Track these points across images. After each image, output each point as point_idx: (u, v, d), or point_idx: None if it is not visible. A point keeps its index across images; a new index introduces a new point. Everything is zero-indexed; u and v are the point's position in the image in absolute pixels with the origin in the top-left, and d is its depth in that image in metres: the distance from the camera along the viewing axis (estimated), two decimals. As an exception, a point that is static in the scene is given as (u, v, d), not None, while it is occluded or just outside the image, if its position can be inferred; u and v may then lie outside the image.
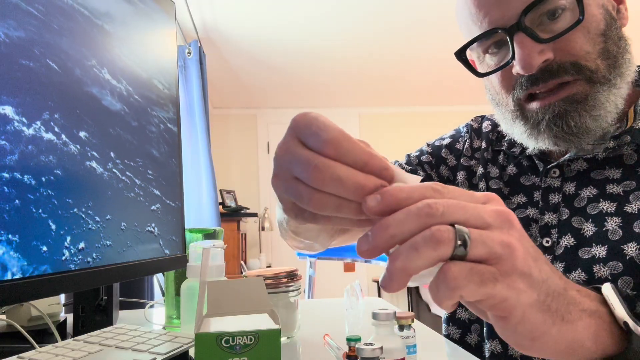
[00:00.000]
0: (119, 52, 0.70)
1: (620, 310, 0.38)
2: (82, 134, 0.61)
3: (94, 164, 0.63)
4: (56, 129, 0.57)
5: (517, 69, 0.58)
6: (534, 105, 0.60)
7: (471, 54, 0.66)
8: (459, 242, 0.29)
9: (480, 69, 0.65)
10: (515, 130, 0.64)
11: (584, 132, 0.58)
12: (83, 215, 0.60)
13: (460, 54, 0.64)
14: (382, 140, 4.76)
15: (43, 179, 0.54)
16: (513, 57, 0.58)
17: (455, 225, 0.30)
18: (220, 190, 3.71)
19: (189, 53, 2.52)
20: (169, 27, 0.82)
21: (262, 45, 3.21)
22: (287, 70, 3.70)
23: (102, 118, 0.65)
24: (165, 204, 0.79)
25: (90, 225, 0.61)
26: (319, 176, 0.32)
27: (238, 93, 4.26)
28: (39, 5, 0.56)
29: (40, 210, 0.54)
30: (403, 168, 0.81)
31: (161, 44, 0.79)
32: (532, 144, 0.63)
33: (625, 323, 0.37)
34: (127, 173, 0.69)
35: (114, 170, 0.67)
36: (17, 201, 0.51)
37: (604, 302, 0.40)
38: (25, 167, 0.52)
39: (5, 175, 0.50)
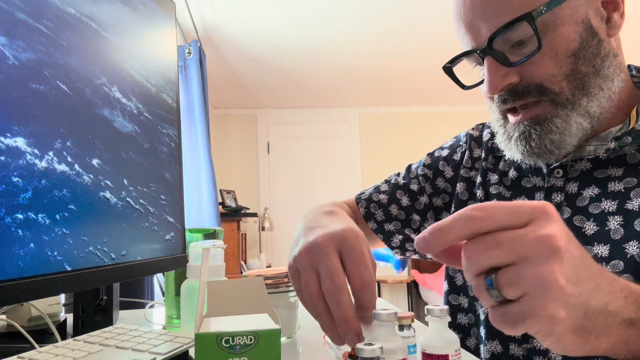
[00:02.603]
0: (128, 67, 0.68)
1: None
2: (94, 161, 0.60)
3: (107, 194, 0.61)
4: (69, 159, 0.55)
5: (483, 89, 0.63)
6: (511, 118, 0.64)
7: (467, 64, 0.69)
8: (489, 291, 0.33)
9: (477, 77, 0.68)
10: (498, 137, 0.68)
11: (546, 152, 0.61)
12: (99, 254, 0.59)
13: (447, 69, 0.68)
14: (382, 140, 4.76)
15: (57, 217, 0.53)
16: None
17: (487, 276, 0.33)
18: (220, 190, 3.71)
19: (189, 53, 2.52)
20: (169, 27, 0.82)
21: (262, 45, 3.21)
22: (287, 70, 3.70)
23: (114, 142, 0.64)
24: (179, 231, 0.79)
25: (106, 264, 0.60)
26: (332, 290, 0.42)
27: (238, 93, 4.26)
28: (48, 21, 0.54)
29: (56, 253, 0.52)
30: (397, 182, 0.85)
31: (161, 44, 0.79)
32: (508, 153, 0.67)
33: None
34: (141, 201, 0.68)
35: (128, 199, 0.65)
36: (32, 245, 0.49)
37: None
38: (39, 205, 0.50)
39: (20, 216, 0.48)
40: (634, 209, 0.57)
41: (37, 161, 0.51)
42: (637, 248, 0.56)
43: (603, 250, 0.58)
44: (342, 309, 0.41)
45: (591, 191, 0.62)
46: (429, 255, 0.88)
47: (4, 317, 0.71)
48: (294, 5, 2.69)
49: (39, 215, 0.50)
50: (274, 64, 3.55)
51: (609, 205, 0.59)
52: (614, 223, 0.58)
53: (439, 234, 0.35)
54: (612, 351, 0.38)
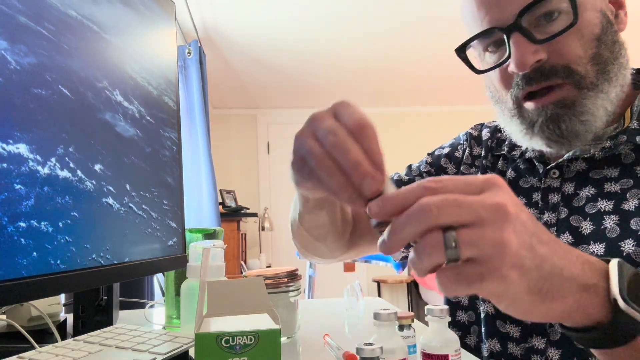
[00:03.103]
0: (129, 69, 0.68)
1: (615, 287, 0.39)
2: (97, 167, 0.59)
3: (110, 200, 0.61)
4: (71, 165, 0.55)
5: (511, 67, 0.60)
6: (530, 105, 0.62)
7: (473, 51, 0.68)
8: (449, 249, 0.33)
9: (481, 67, 0.67)
10: (512, 128, 0.66)
11: (574, 136, 0.60)
12: (102, 262, 0.59)
13: (460, 51, 0.65)
14: (382, 140, 4.74)
15: (60, 224, 0.52)
16: (509, 56, 0.59)
17: (445, 233, 0.33)
18: (220, 190, 3.71)
19: (189, 53, 2.52)
20: (169, 27, 0.82)
21: (262, 45, 3.21)
22: (287, 70, 3.70)
23: (116, 146, 0.63)
24: (181, 235, 0.79)
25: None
26: (335, 143, 0.38)
27: (238, 93, 4.26)
28: (49, 24, 0.54)
29: (59, 261, 0.52)
30: (401, 179, 0.84)
31: (161, 44, 0.79)
32: (526, 143, 0.65)
33: (615, 300, 0.38)
34: (144, 206, 0.68)
35: (130, 204, 0.65)
36: (34, 254, 0.49)
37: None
38: (41, 212, 0.50)
39: (22, 224, 0.47)
40: (630, 209, 0.58)
41: (39, 168, 0.50)
42: (633, 246, 0.56)
43: (599, 248, 0.58)
44: (350, 156, 0.38)
45: (587, 191, 0.62)
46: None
47: (4, 317, 0.71)
48: (294, 6, 2.69)
49: (42, 224, 0.50)
50: (274, 64, 3.55)
51: (605, 205, 0.60)
52: (610, 222, 0.59)
53: (393, 199, 0.35)
54: (568, 315, 0.39)
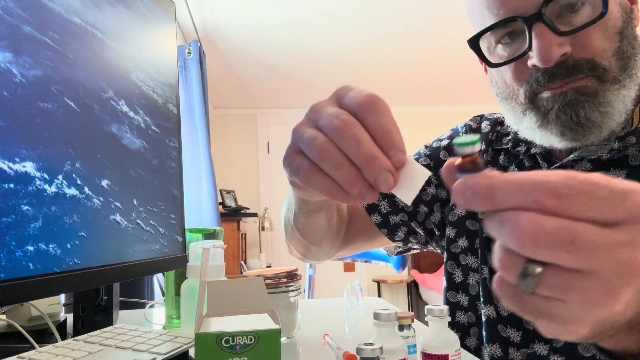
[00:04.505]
0: (134, 77, 0.67)
1: None
2: (104, 182, 0.58)
3: (118, 217, 0.60)
4: (78, 182, 0.53)
5: (534, 60, 0.56)
6: (546, 94, 0.58)
7: (481, 44, 0.64)
8: (524, 280, 0.26)
9: (490, 60, 0.63)
10: (524, 125, 0.62)
11: (591, 126, 0.56)
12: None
13: (474, 42, 0.61)
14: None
15: (68, 246, 0.51)
16: (529, 48, 0.56)
17: (528, 266, 0.26)
18: (220, 190, 3.70)
19: (189, 53, 2.52)
20: (169, 27, 0.82)
21: (262, 45, 3.21)
22: (287, 70, 3.70)
23: (123, 160, 0.62)
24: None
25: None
26: (341, 128, 0.33)
27: (238, 93, 4.26)
28: (54, 33, 0.52)
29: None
30: None
31: (162, 45, 0.79)
32: (540, 136, 0.61)
33: None
34: (151, 222, 0.66)
35: (138, 221, 0.64)
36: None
37: None
38: (49, 234, 0.48)
39: (30, 248, 0.46)
40: None
41: (46, 186, 0.49)
42: None
43: None
44: (362, 146, 0.32)
45: None
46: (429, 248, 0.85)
47: (4, 317, 0.71)
48: (294, 6, 2.69)
49: (50, 246, 0.49)
50: (274, 64, 3.55)
51: None
52: None
53: (489, 194, 0.26)
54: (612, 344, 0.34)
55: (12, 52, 0.47)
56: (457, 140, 0.29)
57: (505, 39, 0.60)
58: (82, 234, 0.54)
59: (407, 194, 0.34)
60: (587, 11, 0.55)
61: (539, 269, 0.25)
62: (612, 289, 0.25)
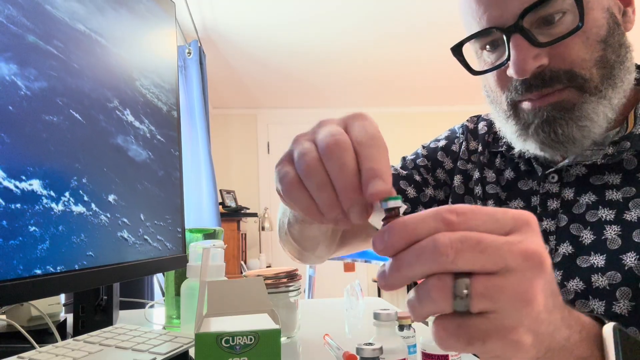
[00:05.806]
0: (139, 85, 0.66)
1: None
2: (111, 197, 0.57)
3: (125, 234, 0.58)
4: (85, 198, 0.52)
5: (510, 72, 0.57)
6: (526, 105, 0.59)
7: (470, 48, 0.64)
8: (458, 298, 0.27)
9: (478, 65, 0.64)
10: (507, 130, 0.63)
11: (570, 142, 0.57)
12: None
13: (456, 50, 0.62)
14: (382, 140, 4.75)
15: (76, 267, 0.50)
16: (508, 59, 0.56)
17: (457, 278, 0.28)
18: (220, 190, 3.71)
19: (189, 53, 2.52)
20: (169, 27, 0.82)
21: (262, 45, 3.21)
22: (287, 70, 3.70)
23: (129, 173, 0.61)
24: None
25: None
26: (331, 146, 0.33)
27: (238, 93, 4.26)
28: (58, 41, 0.51)
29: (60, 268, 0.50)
30: (398, 173, 0.79)
31: (162, 45, 0.79)
32: (520, 145, 0.62)
33: None
34: (158, 237, 0.65)
35: (145, 236, 0.63)
36: None
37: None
38: (57, 256, 0.47)
39: (38, 272, 0.45)
40: (633, 220, 0.56)
41: (53, 205, 0.48)
42: (635, 260, 0.54)
43: (599, 260, 0.56)
44: (344, 170, 0.32)
45: (587, 198, 0.60)
46: None
47: (4, 317, 0.71)
48: (294, 6, 2.69)
49: (58, 268, 0.47)
50: (274, 64, 3.55)
51: (606, 213, 0.58)
52: (611, 232, 0.56)
53: (403, 229, 0.29)
54: None
55: (16, 64, 0.45)
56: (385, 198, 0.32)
57: (489, 46, 0.61)
58: (90, 253, 0.52)
59: (380, 224, 0.34)
60: (567, 21, 0.54)
61: (466, 280, 0.28)
62: (526, 281, 0.28)
